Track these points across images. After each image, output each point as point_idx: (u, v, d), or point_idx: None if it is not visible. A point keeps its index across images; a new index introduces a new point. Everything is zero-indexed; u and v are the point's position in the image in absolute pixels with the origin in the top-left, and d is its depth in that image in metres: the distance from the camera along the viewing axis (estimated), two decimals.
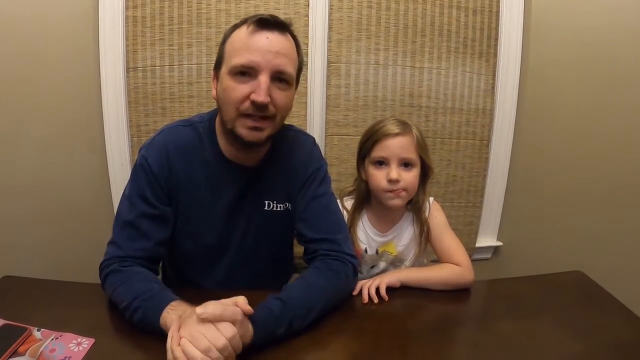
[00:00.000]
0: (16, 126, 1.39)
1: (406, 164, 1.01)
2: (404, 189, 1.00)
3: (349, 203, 1.12)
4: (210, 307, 0.63)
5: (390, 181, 0.99)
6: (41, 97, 1.40)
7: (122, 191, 0.92)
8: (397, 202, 1.01)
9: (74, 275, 1.05)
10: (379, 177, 1.01)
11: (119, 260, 0.84)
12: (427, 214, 1.06)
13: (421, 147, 1.02)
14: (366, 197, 1.09)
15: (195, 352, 0.59)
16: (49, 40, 1.37)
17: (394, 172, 0.99)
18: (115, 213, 0.91)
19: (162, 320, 0.71)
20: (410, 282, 0.95)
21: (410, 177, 1.00)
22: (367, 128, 1.07)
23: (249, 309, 0.68)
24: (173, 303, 0.73)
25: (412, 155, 1.00)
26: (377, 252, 1.08)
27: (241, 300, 0.68)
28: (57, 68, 1.39)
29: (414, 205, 1.06)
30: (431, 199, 1.09)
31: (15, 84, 1.36)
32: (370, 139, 1.03)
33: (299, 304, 0.77)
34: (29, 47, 1.35)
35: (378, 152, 1.01)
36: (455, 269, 0.98)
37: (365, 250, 1.08)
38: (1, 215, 1.42)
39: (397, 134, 1.00)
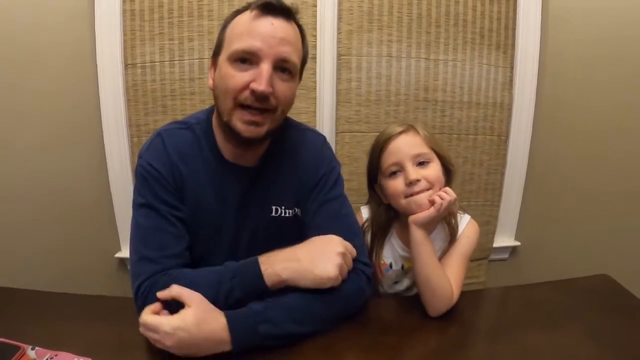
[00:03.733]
0: (8, 128, 1.33)
1: (422, 162, 0.91)
2: (429, 188, 0.89)
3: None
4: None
5: (410, 183, 0.88)
6: (35, 97, 1.34)
7: (131, 202, 0.83)
8: (424, 200, 0.88)
9: (74, 280, 1.01)
10: (397, 185, 0.91)
11: (160, 275, 0.75)
12: (459, 227, 0.95)
13: (432, 141, 0.93)
14: (387, 222, 1.00)
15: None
16: (42, 36, 1.30)
17: (412, 172, 0.89)
18: (130, 222, 0.82)
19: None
20: (412, 238, 0.87)
21: (430, 172, 0.90)
22: (369, 148, 0.99)
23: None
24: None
25: (424, 150, 0.91)
26: (402, 267, 1.00)
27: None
28: (51, 66, 1.33)
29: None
30: (468, 217, 0.98)
31: (6, 84, 1.30)
32: (375, 152, 0.95)
33: (291, 306, 0.72)
34: (21, 44, 1.29)
35: (388, 160, 0.92)
36: (449, 287, 0.86)
37: (390, 266, 1.00)
38: None
39: (400, 133, 0.92)
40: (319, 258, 0.75)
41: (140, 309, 0.74)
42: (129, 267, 0.81)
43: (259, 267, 0.73)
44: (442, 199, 0.86)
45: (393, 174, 0.92)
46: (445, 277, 0.86)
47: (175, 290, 0.70)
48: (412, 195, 0.90)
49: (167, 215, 0.80)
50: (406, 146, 0.91)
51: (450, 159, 0.95)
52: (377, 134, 1.00)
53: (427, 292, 0.85)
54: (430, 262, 0.87)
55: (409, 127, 0.94)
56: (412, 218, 0.88)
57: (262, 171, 0.88)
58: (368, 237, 1.03)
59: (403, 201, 0.91)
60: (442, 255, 0.94)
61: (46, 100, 1.34)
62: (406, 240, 0.97)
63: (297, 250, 0.76)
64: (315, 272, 0.73)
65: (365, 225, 1.04)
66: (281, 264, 0.74)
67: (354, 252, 0.79)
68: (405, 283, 1.02)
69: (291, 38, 0.77)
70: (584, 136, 1.60)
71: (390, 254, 1.00)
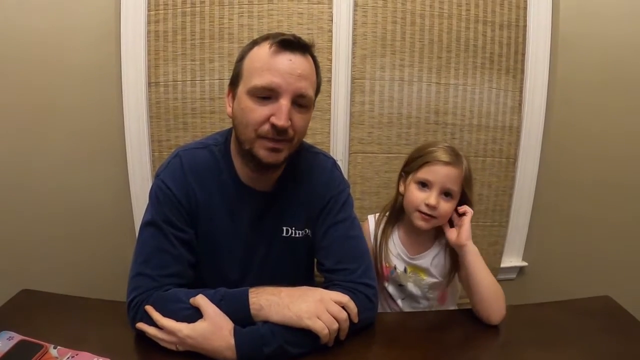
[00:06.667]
0: (38, 141, 1.39)
1: (447, 194, 0.99)
2: (436, 217, 0.99)
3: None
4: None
5: (428, 206, 0.98)
6: (63, 112, 1.40)
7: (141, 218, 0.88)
8: (424, 224, 1.00)
9: (93, 289, 1.05)
10: (418, 197, 1.00)
11: (154, 290, 0.80)
12: None
13: (466, 182, 1.01)
14: (400, 211, 1.08)
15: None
16: (71, 55, 1.37)
17: (434, 198, 0.97)
18: (136, 237, 0.86)
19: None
20: (470, 256, 0.94)
21: (447, 207, 0.99)
22: (420, 145, 1.07)
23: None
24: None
25: (456, 188, 0.99)
26: (405, 270, 1.06)
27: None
28: (79, 83, 1.39)
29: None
30: None
31: (37, 98, 1.36)
32: (421, 159, 1.02)
33: (295, 329, 0.74)
34: (51, 62, 1.35)
35: (424, 174, 1.00)
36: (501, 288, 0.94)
37: (395, 268, 1.06)
38: (21, 229, 1.42)
39: (448, 163, 0.99)
40: (298, 298, 0.77)
41: (132, 319, 0.79)
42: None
43: (247, 295, 0.76)
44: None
45: (422, 185, 1.01)
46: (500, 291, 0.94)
47: (199, 301, 0.75)
48: (421, 212, 0.99)
49: (171, 237, 0.84)
50: (445, 176, 0.99)
51: (473, 201, 1.03)
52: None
53: (492, 297, 0.91)
54: (488, 269, 0.94)
55: (459, 162, 1.00)
56: (460, 240, 0.96)
57: (276, 195, 0.92)
58: (380, 231, 1.09)
59: (413, 211, 1.01)
60: (450, 273, 1.03)
61: (73, 114, 1.40)
62: (410, 247, 1.07)
63: (283, 289, 0.79)
64: (290, 307, 0.75)
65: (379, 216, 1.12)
66: (265, 296, 0.77)
67: (347, 303, 0.80)
68: (409, 288, 1.07)
69: (307, 73, 0.81)
70: (592, 158, 1.62)
71: (394, 256, 1.07)
